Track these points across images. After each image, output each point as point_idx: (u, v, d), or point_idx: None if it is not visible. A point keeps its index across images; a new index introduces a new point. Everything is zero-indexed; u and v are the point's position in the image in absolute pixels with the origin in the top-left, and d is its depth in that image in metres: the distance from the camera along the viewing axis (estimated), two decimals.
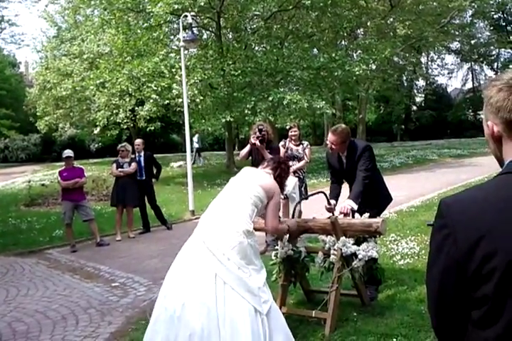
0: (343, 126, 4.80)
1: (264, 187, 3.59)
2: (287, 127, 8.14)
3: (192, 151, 21.66)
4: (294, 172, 7.28)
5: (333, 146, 4.65)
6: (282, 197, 6.96)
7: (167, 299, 3.23)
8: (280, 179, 3.80)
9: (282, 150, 7.44)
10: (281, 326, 3.31)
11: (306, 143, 7.66)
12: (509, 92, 1.15)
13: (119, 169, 8.74)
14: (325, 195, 4.51)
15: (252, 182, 3.64)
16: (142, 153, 9.13)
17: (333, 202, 4.60)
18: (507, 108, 1.14)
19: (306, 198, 6.53)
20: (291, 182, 7.13)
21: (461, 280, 1.11)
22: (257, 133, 6.37)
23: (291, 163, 7.22)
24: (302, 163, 7.37)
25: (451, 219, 1.13)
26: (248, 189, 3.58)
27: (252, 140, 6.42)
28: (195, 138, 21.98)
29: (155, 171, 9.32)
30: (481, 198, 1.13)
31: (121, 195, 8.68)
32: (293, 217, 4.42)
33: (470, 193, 1.18)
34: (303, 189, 7.39)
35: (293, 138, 7.48)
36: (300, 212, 4.70)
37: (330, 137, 4.65)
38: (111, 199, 9.01)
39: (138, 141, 9.31)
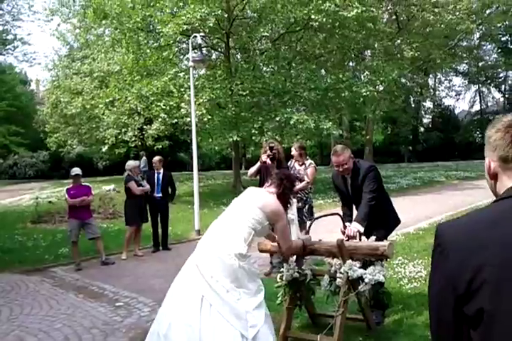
0: (340, 145, 4.70)
1: (263, 209, 3.54)
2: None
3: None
4: (295, 193, 7.17)
5: (341, 168, 4.56)
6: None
7: (159, 317, 3.40)
8: (284, 196, 3.72)
9: None
10: None
11: (309, 162, 7.37)
12: (505, 132, 1.26)
13: (141, 188, 8.73)
14: (340, 217, 4.47)
15: (252, 204, 3.59)
16: (161, 170, 9.20)
17: (348, 224, 4.55)
18: (502, 146, 1.26)
19: (318, 218, 6.47)
20: None
21: (456, 296, 1.12)
22: (268, 152, 6.30)
23: None
24: (303, 184, 7.06)
25: (445, 238, 1.19)
26: (247, 211, 3.55)
27: (263, 158, 6.32)
28: (141, 162, 20.89)
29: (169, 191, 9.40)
30: (474, 220, 1.21)
31: (140, 214, 8.71)
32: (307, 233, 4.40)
33: (465, 217, 1.26)
34: (306, 209, 7.21)
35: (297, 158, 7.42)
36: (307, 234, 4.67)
37: (334, 160, 4.57)
38: (130, 219, 8.79)
39: (156, 159, 9.33)
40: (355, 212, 4.77)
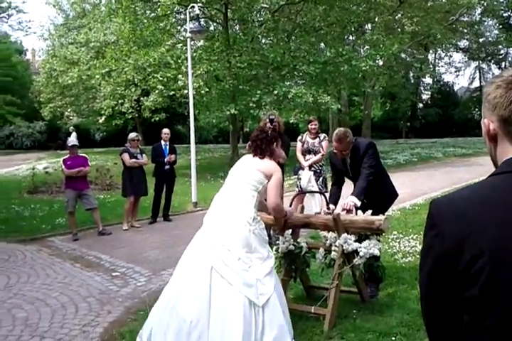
0: (342, 129, 4.66)
1: (260, 169, 3.60)
2: (307, 121, 8.08)
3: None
4: (310, 166, 7.25)
5: (339, 153, 4.62)
6: (297, 189, 7.05)
7: (167, 290, 3.45)
8: (270, 152, 3.69)
9: (299, 145, 7.45)
10: (277, 319, 3.31)
11: (323, 135, 7.55)
12: (507, 89, 1.11)
13: (133, 160, 8.71)
14: (325, 197, 4.50)
15: (249, 167, 3.65)
16: (168, 143, 9.22)
17: (332, 207, 4.57)
18: (503, 104, 1.11)
19: (306, 193, 6.57)
20: (306, 176, 7.14)
21: (449, 279, 1.08)
22: (268, 124, 6.26)
23: (307, 156, 7.25)
24: (318, 156, 7.28)
25: (439, 218, 1.10)
26: (246, 175, 3.60)
27: None
28: (72, 137, 21.04)
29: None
30: (470, 198, 1.10)
31: (135, 185, 8.69)
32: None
33: (459, 193, 1.15)
34: (320, 182, 7.30)
35: (313, 131, 7.48)
36: (302, 207, 4.68)
37: (337, 146, 4.57)
38: (123, 190, 8.88)
39: (167, 131, 9.34)
40: (347, 190, 4.79)
